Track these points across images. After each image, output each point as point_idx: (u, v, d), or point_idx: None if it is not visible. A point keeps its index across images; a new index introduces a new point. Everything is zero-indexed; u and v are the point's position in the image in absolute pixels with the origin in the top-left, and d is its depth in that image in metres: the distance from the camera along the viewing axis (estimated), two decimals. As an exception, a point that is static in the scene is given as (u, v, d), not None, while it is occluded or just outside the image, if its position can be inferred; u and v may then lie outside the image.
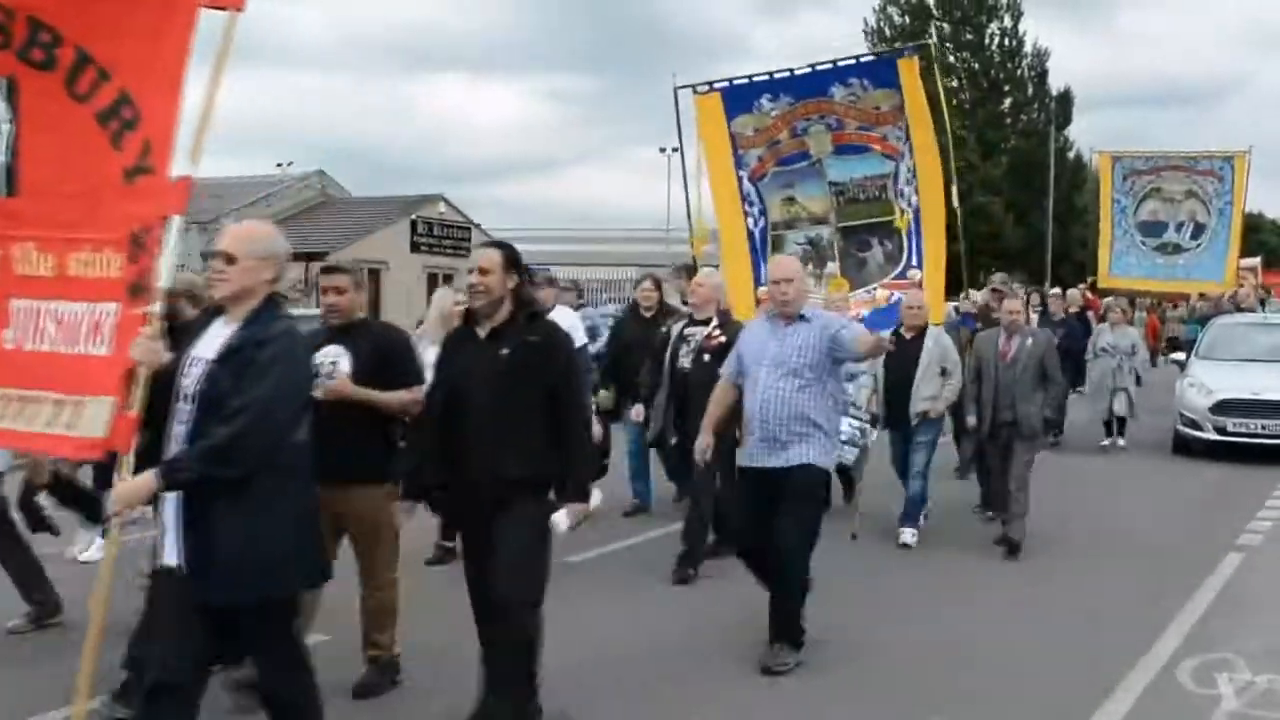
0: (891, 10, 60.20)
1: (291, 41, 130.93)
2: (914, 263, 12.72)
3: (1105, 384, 16.69)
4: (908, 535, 10.80)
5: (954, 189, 12.67)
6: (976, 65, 60.12)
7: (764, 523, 7.18)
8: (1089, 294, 24.04)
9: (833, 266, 13.08)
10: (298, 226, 47.29)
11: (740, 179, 13.18)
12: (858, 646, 7.54)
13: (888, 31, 59.59)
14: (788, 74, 12.98)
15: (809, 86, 12.88)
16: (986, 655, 7.36)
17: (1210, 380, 16.32)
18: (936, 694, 6.63)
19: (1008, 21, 60.37)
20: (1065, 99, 60.69)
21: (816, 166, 13.04)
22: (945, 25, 60.05)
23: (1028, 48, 60.61)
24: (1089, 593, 8.96)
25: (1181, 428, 16.35)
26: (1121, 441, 16.85)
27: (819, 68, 12.90)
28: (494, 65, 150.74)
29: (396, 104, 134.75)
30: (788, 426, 7.10)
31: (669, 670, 7.11)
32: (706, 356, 9.40)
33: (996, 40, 60.55)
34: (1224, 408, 15.84)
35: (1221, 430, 15.80)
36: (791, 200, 13.18)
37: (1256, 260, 32.56)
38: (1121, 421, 16.76)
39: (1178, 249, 24.31)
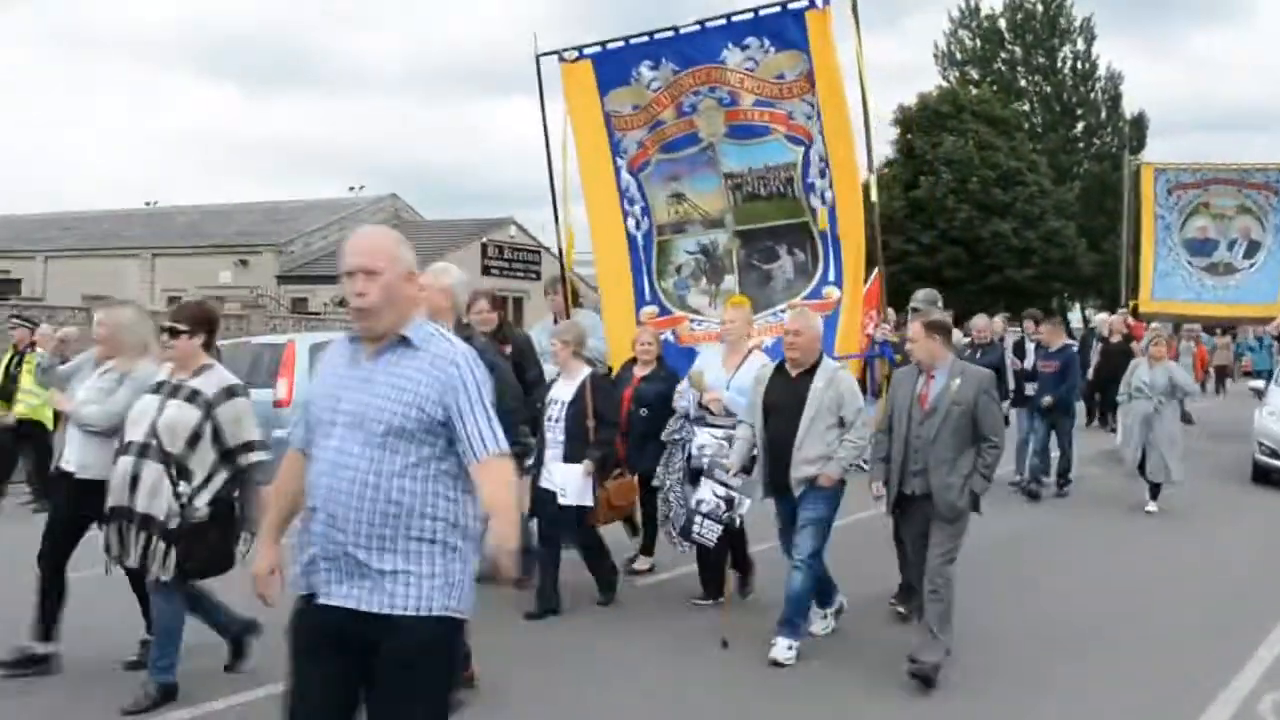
0: (963, 34, 56.08)
1: (364, 66, 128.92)
2: (830, 278, 9.04)
3: (1139, 433, 12.58)
4: (781, 649, 7.06)
5: (872, 180, 8.84)
6: (1049, 89, 55.87)
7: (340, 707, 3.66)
8: (1130, 319, 20.00)
9: (730, 282, 9.44)
10: (370, 248, 45.20)
11: (618, 170, 9.60)
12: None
13: (959, 55, 55.59)
14: (671, 33, 9.35)
15: (697, 49, 9.25)
16: (1061, 687, 6.75)
17: None
18: None
19: (1081, 45, 56.06)
20: (1139, 123, 56.22)
21: (709, 153, 9.42)
22: (1017, 49, 55.84)
23: (1101, 71, 56.47)
24: (1166, 625, 8.18)
25: (1261, 456, 14.84)
26: (1152, 507, 12.64)
27: (709, 24, 9.24)
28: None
29: (468, 127, 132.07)
30: (378, 534, 3.56)
31: None
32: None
33: (1069, 64, 56.29)
34: None
35: None
36: (679, 197, 9.56)
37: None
38: (1156, 486, 12.73)
39: (1230, 269, 20.22)
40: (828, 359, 7.31)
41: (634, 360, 8.87)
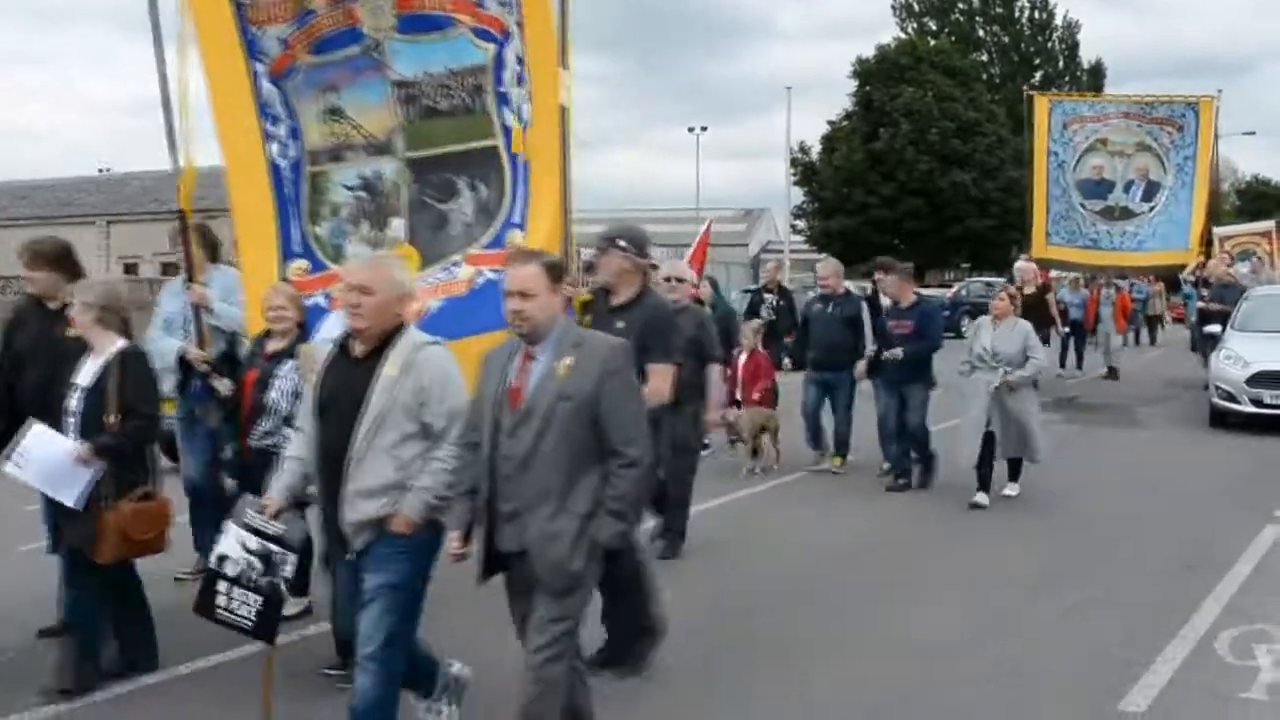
0: (920, -15, 53.01)
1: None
2: (515, 219, 6.27)
3: (980, 411, 9.25)
4: None
5: (568, 90, 5.99)
6: (1006, 39, 53.09)
7: None
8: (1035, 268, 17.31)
9: (397, 226, 6.60)
10: (329, 210, 42.57)
11: (256, 77, 6.66)
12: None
13: (916, 6, 52.52)
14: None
15: (353, -87, 6.41)
16: (1023, 627, 6.38)
17: (1246, 352, 13.97)
18: (972, 666, 5.67)
19: (1038, -6, 52.90)
20: (1097, 71, 53.48)
21: (374, 55, 6.55)
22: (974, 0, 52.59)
23: (1058, 20, 53.66)
24: (1126, 566, 7.68)
25: (1218, 400, 14.14)
26: (1011, 491, 9.57)
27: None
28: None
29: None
30: None
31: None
32: None
33: (1026, 14, 53.68)
34: (1261, 380, 13.58)
35: (1258, 402, 13.57)
36: (336, 113, 6.64)
37: (1270, 224, 25.02)
38: (1016, 463, 9.57)
39: (1127, 213, 17.48)
40: (413, 330, 4.44)
41: (270, 332, 6.13)
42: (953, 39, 49.76)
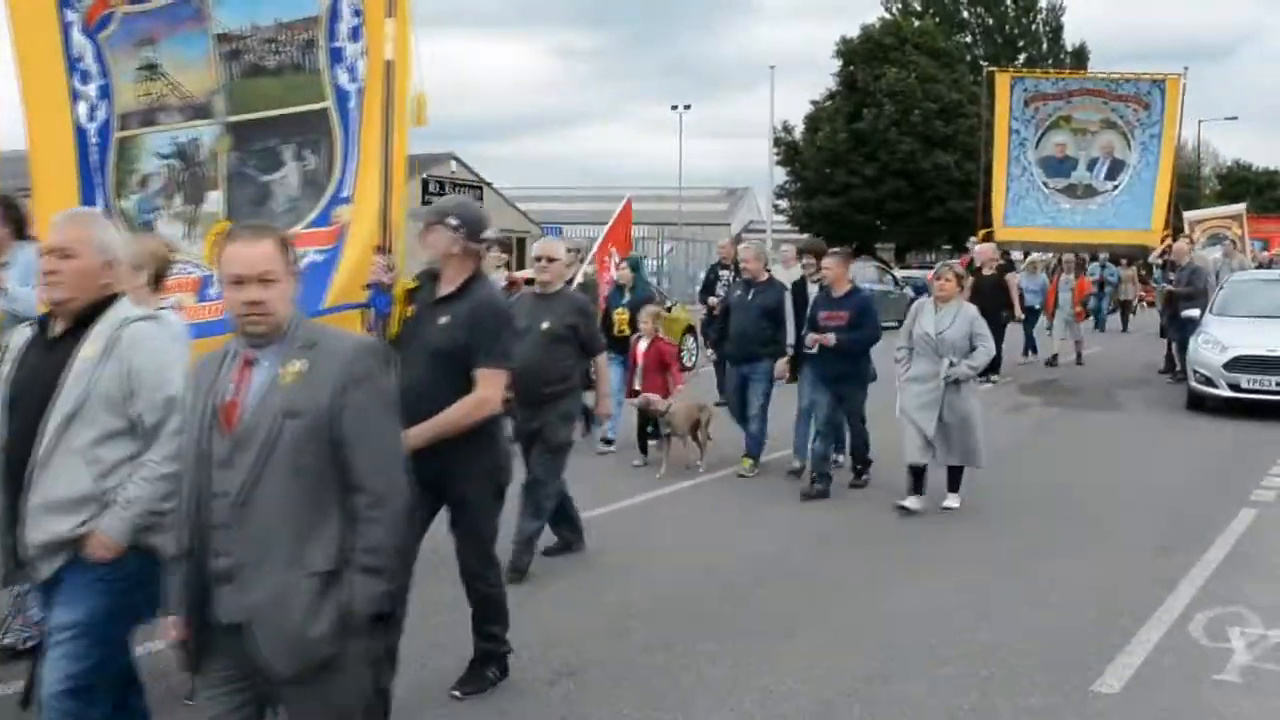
0: (905, -32, 51.94)
1: None
2: (345, 193, 5.34)
3: (922, 405, 8.18)
4: None
5: (393, 43, 5.13)
6: (991, 20, 52.03)
7: None
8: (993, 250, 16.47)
9: (214, 200, 5.74)
10: (310, 185, 41.72)
11: (67, 28, 5.77)
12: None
13: (902, -11, 51.49)
14: None
15: None
16: (999, 608, 6.26)
17: (1224, 337, 13.76)
18: (947, 648, 5.58)
19: (1022, -24, 51.87)
20: (1080, 54, 52.51)
21: (196, 2, 5.71)
22: (960, -19, 51.62)
23: (1042, 3, 52.71)
24: (1103, 547, 7.58)
25: (1195, 384, 13.96)
26: (952, 501, 8.41)
27: None
28: (501, 21, 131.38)
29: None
30: None
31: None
32: None
33: (1011, -4, 52.16)
34: (1238, 364, 13.41)
35: (1235, 387, 13.40)
36: (152, 70, 5.78)
37: (1241, 207, 24.22)
38: (956, 471, 8.44)
39: (1090, 191, 16.79)
40: (124, 303, 3.57)
41: None
42: (937, 20, 48.77)
